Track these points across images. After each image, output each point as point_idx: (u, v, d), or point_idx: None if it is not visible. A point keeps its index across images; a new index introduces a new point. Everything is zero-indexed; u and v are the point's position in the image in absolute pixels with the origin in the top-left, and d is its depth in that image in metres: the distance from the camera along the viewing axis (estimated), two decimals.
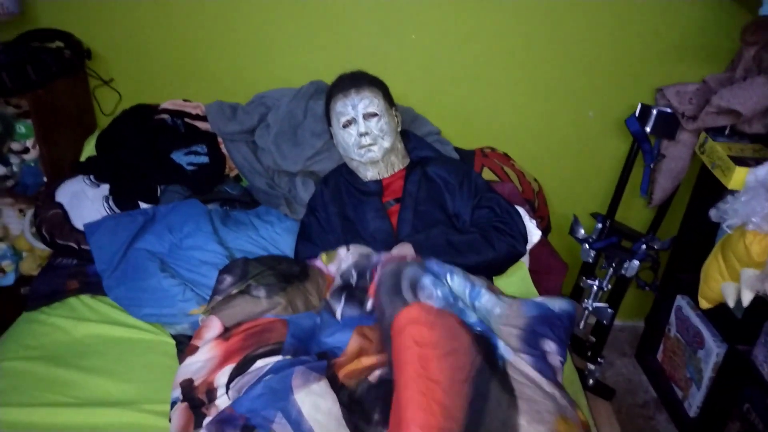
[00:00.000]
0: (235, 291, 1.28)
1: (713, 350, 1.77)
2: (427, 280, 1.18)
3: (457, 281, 1.23)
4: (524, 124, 2.05)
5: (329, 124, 1.63)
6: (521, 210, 1.61)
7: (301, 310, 1.30)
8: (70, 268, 1.57)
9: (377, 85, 1.58)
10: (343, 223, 1.57)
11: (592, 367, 2.07)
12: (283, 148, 1.71)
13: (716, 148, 1.69)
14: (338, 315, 1.28)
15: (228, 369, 1.14)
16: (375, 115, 1.53)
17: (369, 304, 1.27)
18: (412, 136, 1.72)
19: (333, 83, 1.61)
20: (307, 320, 1.27)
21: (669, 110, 1.87)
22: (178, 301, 1.43)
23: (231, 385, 1.12)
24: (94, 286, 1.52)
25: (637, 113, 1.91)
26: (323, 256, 1.47)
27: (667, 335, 2.05)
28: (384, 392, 1.05)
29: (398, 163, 1.62)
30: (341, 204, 1.60)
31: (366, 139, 1.52)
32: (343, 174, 1.65)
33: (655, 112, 1.88)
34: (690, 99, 1.83)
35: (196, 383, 1.15)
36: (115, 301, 1.47)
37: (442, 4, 1.87)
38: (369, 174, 1.60)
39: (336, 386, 1.07)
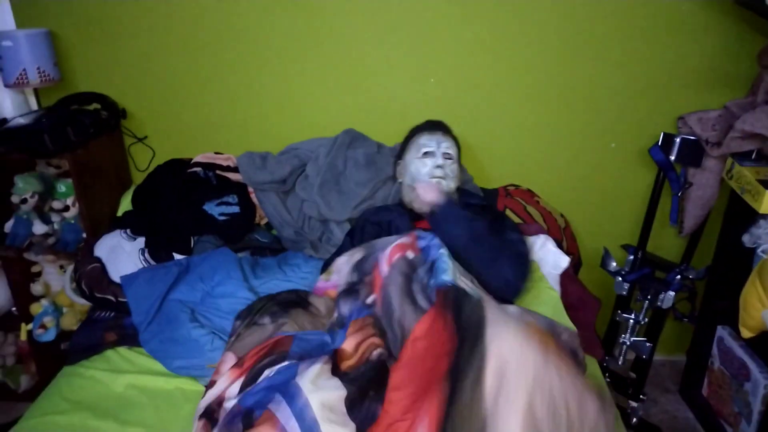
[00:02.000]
0: (242, 328, 1.33)
1: (760, 382, 1.70)
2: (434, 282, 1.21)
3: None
4: (547, 159, 2.07)
5: (400, 157, 1.74)
6: (547, 237, 1.62)
7: (308, 329, 1.34)
8: (108, 321, 1.61)
9: (456, 139, 1.75)
10: (371, 231, 1.62)
11: (634, 404, 2.01)
12: (328, 198, 1.78)
13: (744, 173, 1.67)
14: (344, 312, 1.32)
15: (239, 382, 1.19)
16: (451, 158, 1.67)
17: (370, 299, 1.28)
18: (466, 192, 1.81)
19: (420, 124, 1.76)
20: (314, 336, 1.29)
21: (693, 137, 1.86)
22: (206, 350, 1.45)
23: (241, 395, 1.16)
24: (131, 338, 1.55)
25: (660, 142, 1.91)
26: (322, 274, 1.51)
27: (711, 368, 1.98)
28: (381, 373, 1.11)
29: None
30: (377, 218, 1.66)
31: (439, 171, 1.63)
32: (391, 207, 1.71)
33: (678, 140, 1.88)
34: (713, 125, 1.82)
35: (213, 403, 1.19)
36: (150, 354, 1.49)
37: (457, 49, 1.93)
38: (424, 208, 1.63)
39: (338, 373, 1.13)
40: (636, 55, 1.91)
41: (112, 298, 1.63)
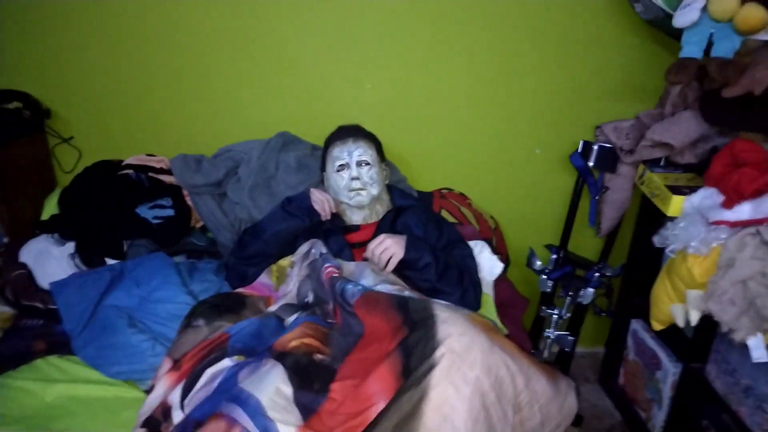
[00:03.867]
0: (178, 332, 1.36)
1: (669, 370, 1.86)
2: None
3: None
4: (477, 164, 2.16)
5: (323, 169, 1.74)
6: (485, 244, 1.70)
7: None
8: (36, 329, 1.54)
9: (372, 139, 1.73)
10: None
11: None
12: (258, 201, 1.77)
13: (654, 179, 1.83)
14: (288, 322, 1.36)
15: (179, 386, 1.20)
16: (367, 163, 1.66)
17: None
18: (397, 190, 1.83)
19: (333, 132, 1.75)
20: (250, 325, 1.33)
21: (608, 145, 2.01)
22: (148, 356, 1.43)
23: (185, 402, 1.17)
24: (61, 346, 1.49)
25: (580, 149, 2.05)
26: (273, 279, 1.56)
27: (626, 359, 2.14)
28: (326, 374, 1.16)
29: (382, 212, 1.72)
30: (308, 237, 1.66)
31: (356, 183, 1.64)
32: (326, 223, 1.70)
33: (596, 147, 2.02)
34: (627, 134, 1.97)
35: (153, 411, 1.19)
36: (85, 361, 1.45)
37: (393, 55, 1.98)
38: (354, 218, 1.69)
39: (282, 355, 1.19)
40: (557, 67, 2.03)
41: (41, 305, 1.56)
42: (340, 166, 1.66)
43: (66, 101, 1.94)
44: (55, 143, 1.97)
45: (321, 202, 1.64)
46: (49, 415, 1.31)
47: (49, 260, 1.63)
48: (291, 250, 1.62)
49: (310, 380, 1.14)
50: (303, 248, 1.56)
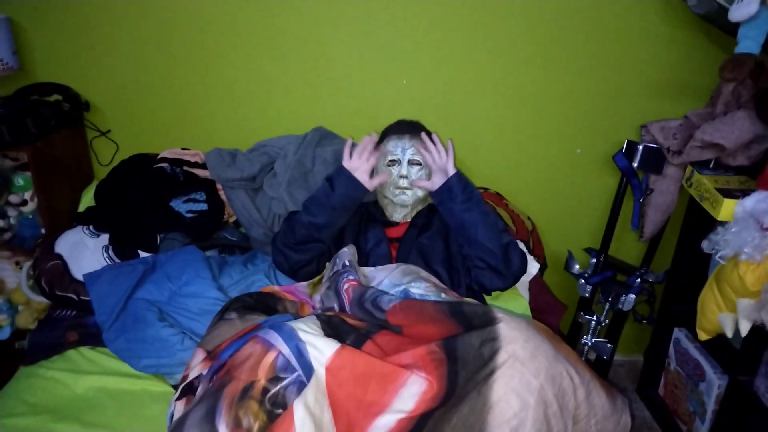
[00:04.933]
0: (210, 326, 1.33)
1: (714, 382, 1.77)
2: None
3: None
4: (515, 164, 2.10)
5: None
6: (520, 244, 1.65)
7: None
8: (69, 320, 1.56)
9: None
10: (345, 238, 1.61)
11: None
12: (296, 195, 1.76)
13: (703, 181, 1.74)
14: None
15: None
16: (419, 164, 1.61)
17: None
18: None
19: (392, 125, 1.71)
20: (282, 318, 1.31)
21: (655, 145, 1.92)
22: (177, 350, 1.43)
23: None
24: (93, 338, 1.50)
25: (624, 149, 1.97)
26: (309, 287, 1.53)
27: (668, 369, 2.05)
28: (359, 337, 1.18)
29: None
30: (354, 225, 1.64)
31: (404, 182, 1.60)
32: (370, 207, 1.70)
33: (641, 147, 1.94)
34: (674, 134, 1.89)
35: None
36: (115, 353, 1.46)
37: (430, 51, 1.94)
38: (395, 215, 1.66)
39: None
40: (602, 64, 1.96)
41: (74, 297, 1.58)
42: (391, 161, 1.61)
43: (104, 95, 1.96)
44: (93, 136, 2.00)
45: (359, 150, 1.57)
46: (79, 407, 1.32)
47: (84, 252, 1.65)
48: (339, 239, 1.60)
49: (341, 335, 1.16)
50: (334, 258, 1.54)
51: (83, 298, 1.56)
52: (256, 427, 1.01)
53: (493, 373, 1.03)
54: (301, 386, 1.05)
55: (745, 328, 1.46)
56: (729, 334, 1.53)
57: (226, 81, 1.95)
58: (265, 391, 1.04)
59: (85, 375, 1.41)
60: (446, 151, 1.57)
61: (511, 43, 1.93)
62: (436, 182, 1.55)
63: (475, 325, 1.11)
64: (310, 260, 1.56)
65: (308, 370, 1.07)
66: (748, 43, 1.58)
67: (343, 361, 1.08)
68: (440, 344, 1.09)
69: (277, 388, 1.05)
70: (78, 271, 1.61)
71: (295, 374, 1.06)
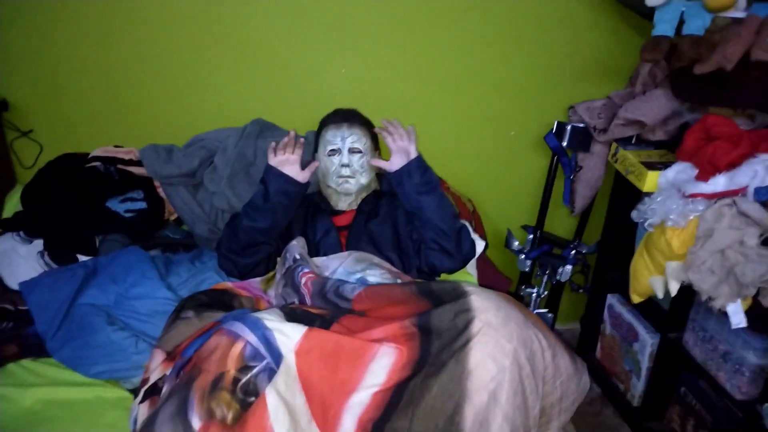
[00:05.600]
0: (167, 325, 1.31)
1: (647, 341, 1.91)
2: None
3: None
4: (454, 148, 2.16)
5: (315, 150, 1.68)
6: (467, 223, 1.71)
7: None
8: (7, 333, 1.47)
9: (367, 125, 1.67)
10: (292, 231, 1.61)
11: None
12: (239, 189, 1.72)
13: (628, 156, 1.86)
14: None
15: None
16: (359, 151, 1.61)
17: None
18: (386, 176, 1.77)
19: (329, 114, 1.68)
20: (241, 313, 1.29)
21: (582, 125, 2.04)
22: (131, 353, 1.38)
23: None
24: (35, 349, 1.42)
25: (554, 130, 2.07)
26: (262, 283, 1.52)
27: (603, 333, 2.19)
28: (324, 323, 1.19)
29: None
30: (301, 218, 1.64)
31: (346, 171, 1.59)
32: (314, 197, 1.69)
33: (569, 127, 2.04)
34: (599, 114, 2.00)
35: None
36: (62, 363, 1.39)
37: (366, 41, 1.96)
38: (341, 204, 1.66)
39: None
40: (531, 50, 2.05)
41: (10, 307, 1.49)
42: (331, 150, 1.60)
43: (23, 93, 1.84)
44: (13, 137, 1.87)
45: (281, 145, 1.53)
46: (29, 421, 1.25)
47: (16, 260, 1.55)
48: (287, 234, 1.58)
49: (307, 323, 1.17)
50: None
51: (21, 308, 1.48)
52: (230, 416, 1.01)
53: (469, 341, 1.06)
54: (271, 373, 1.06)
55: (674, 288, 1.58)
56: (660, 294, 1.65)
57: (159, 74, 1.88)
58: (236, 380, 1.04)
59: (30, 388, 1.33)
60: (408, 134, 1.58)
61: (444, 31, 1.97)
62: (395, 163, 1.56)
63: (446, 301, 1.14)
64: (258, 262, 1.54)
65: (277, 356, 1.07)
66: (663, 26, 1.70)
67: (311, 344, 1.09)
68: (413, 320, 1.12)
69: (248, 376, 1.05)
70: (12, 280, 1.52)
71: (264, 362, 1.06)
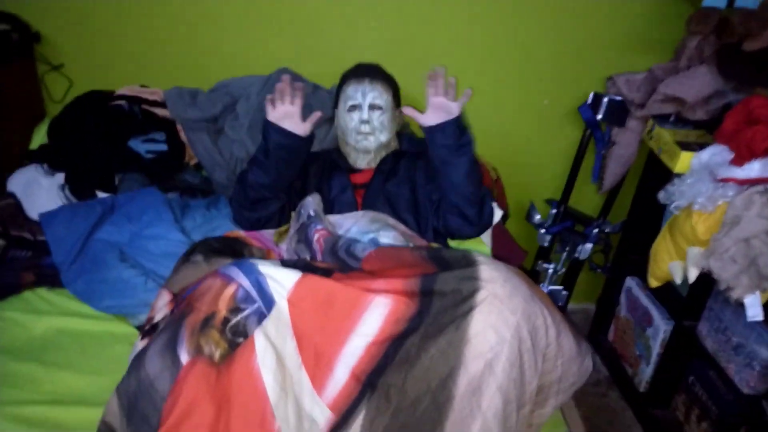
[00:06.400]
0: (176, 265, 1.32)
1: (661, 327, 1.87)
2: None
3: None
4: (483, 113, 2.07)
5: (335, 105, 1.65)
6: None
7: None
8: (25, 261, 1.51)
9: (390, 82, 1.62)
10: (307, 187, 1.59)
11: None
12: (258, 138, 1.70)
13: (663, 134, 1.78)
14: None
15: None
16: (380, 108, 1.56)
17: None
18: (407, 135, 1.75)
19: (350, 69, 1.63)
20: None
21: (619, 98, 1.95)
22: (140, 291, 1.41)
23: None
24: (51, 279, 1.47)
25: (589, 101, 1.99)
26: (275, 235, 1.51)
27: (618, 315, 2.15)
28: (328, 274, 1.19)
29: None
30: (317, 173, 1.62)
31: (365, 127, 1.55)
32: (332, 153, 1.66)
33: (606, 100, 1.96)
34: (638, 87, 1.91)
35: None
36: (75, 295, 1.43)
37: None
38: (359, 162, 1.63)
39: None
40: (570, 16, 1.95)
41: (29, 236, 1.53)
42: (351, 106, 1.56)
43: (57, 25, 1.85)
44: (44, 71, 1.89)
45: (277, 94, 1.47)
46: (39, 347, 1.30)
47: (38, 191, 1.59)
48: (302, 190, 1.58)
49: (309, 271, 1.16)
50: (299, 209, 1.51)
51: (39, 238, 1.52)
52: (217, 354, 1.03)
53: (473, 310, 1.05)
54: (261, 317, 1.07)
55: (693, 275, 1.53)
56: (678, 280, 1.60)
57: (189, 18, 1.87)
58: (226, 321, 1.05)
59: (43, 316, 1.38)
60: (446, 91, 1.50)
61: None
62: (430, 118, 1.48)
63: (455, 268, 1.13)
64: (269, 216, 1.54)
65: (269, 301, 1.08)
66: None
67: (304, 291, 1.09)
68: (417, 279, 1.10)
69: (238, 318, 1.06)
70: (33, 210, 1.56)
71: (255, 305, 1.07)
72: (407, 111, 1.53)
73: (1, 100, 1.72)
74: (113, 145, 1.69)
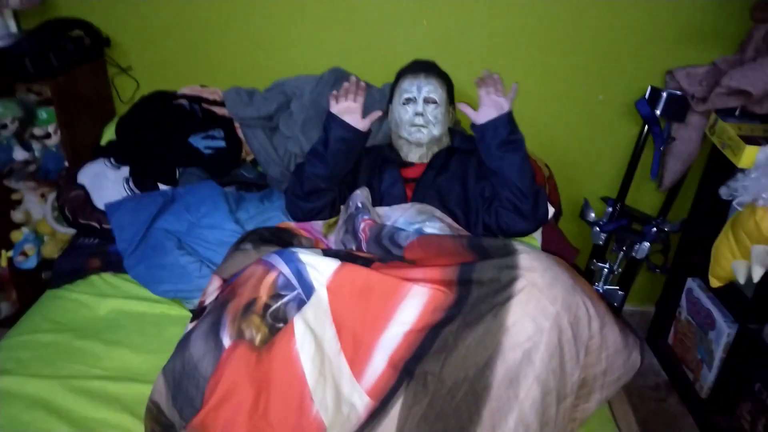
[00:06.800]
0: (227, 254, 1.37)
1: (724, 330, 1.78)
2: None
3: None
4: (536, 109, 2.07)
5: (390, 101, 1.68)
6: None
7: None
8: (92, 248, 1.62)
9: (444, 78, 1.66)
10: (358, 180, 1.62)
11: None
12: (311, 135, 1.77)
13: (726, 129, 1.70)
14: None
15: None
16: (434, 102, 1.59)
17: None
18: (459, 133, 1.77)
19: (406, 65, 1.68)
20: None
21: (679, 93, 1.88)
22: (195, 277, 1.47)
23: None
24: (115, 265, 1.56)
25: (647, 96, 1.92)
26: (324, 227, 1.55)
27: (678, 318, 2.06)
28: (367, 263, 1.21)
29: None
30: (368, 168, 1.65)
31: (419, 119, 1.58)
32: (384, 149, 1.69)
33: (665, 94, 1.89)
34: (700, 81, 1.84)
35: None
36: (135, 279, 1.51)
37: None
38: (411, 156, 1.66)
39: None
40: (627, 7, 1.90)
41: (96, 225, 1.63)
42: (406, 99, 1.59)
43: (126, 31, 1.97)
44: (114, 73, 2.02)
45: (342, 92, 1.54)
46: (101, 327, 1.39)
47: (105, 183, 1.69)
48: (353, 183, 1.61)
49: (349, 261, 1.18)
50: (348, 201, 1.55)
51: (105, 226, 1.61)
52: (258, 338, 1.06)
53: (511, 299, 1.04)
54: (300, 303, 1.09)
55: (757, 274, 1.45)
56: (741, 280, 1.52)
57: (246, 19, 1.95)
58: (267, 306, 1.08)
59: (106, 298, 1.47)
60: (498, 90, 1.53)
61: None
62: (483, 115, 1.52)
63: (494, 257, 1.12)
64: (322, 207, 1.58)
65: (308, 288, 1.10)
66: None
67: (343, 279, 1.11)
68: (456, 268, 1.11)
69: (278, 304, 1.09)
70: (100, 200, 1.66)
71: (295, 292, 1.10)
72: (462, 107, 1.56)
73: (74, 100, 1.84)
74: (175, 141, 1.78)
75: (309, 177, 1.54)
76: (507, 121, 1.51)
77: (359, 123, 1.54)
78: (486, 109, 1.52)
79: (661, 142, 1.98)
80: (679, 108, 1.89)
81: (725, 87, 1.71)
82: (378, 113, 1.59)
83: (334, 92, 1.55)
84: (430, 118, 1.59)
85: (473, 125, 1.55)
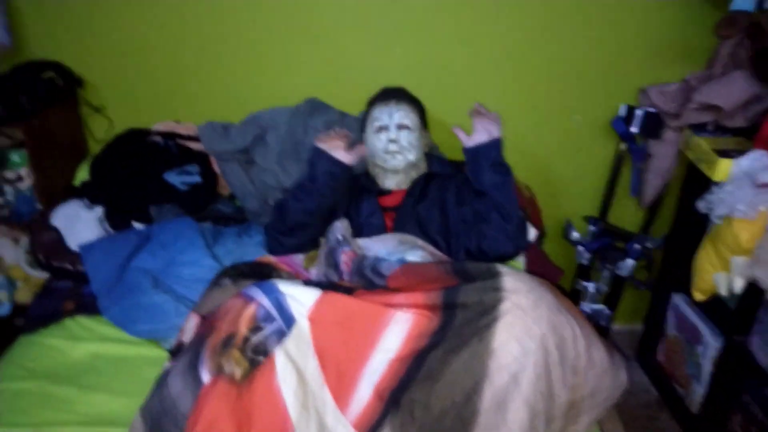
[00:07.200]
0: (205, 291, 1.36)
1: (711, 344, 1.77)
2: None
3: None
4: (512, 131, 2.05)
5: (363, 130, 1.69)
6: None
7: None
8: (66, 291, 1.58)
9: (415, 103, 1.67)
10: (335, 213, 1.60)
11: None
12: (286, 166, 1.76)
13: (700, 143, 1.72)
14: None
15: None
16: (407, 127, 1.60)
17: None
18: (435, 158, 1.78)
19: (376, 93, 1.70)
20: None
21: (653, 110, 1.90)
22: (171, 316, 1.44)
23: None
24: (89, 306, 1.52)
25: (622, 114, 1.95)
26: (305, 260, 1.54)
27: (666, 335, 2.05)
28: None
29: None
30: (345, 198, 1.64)
31: (393, 146, 1.58)
32: (361, 178, 1.68)
33: (639, 112, 1.91)
34: (673, 98, 1.86)
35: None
36: (111, 320, 1.48)
37: (423, 19, 1.92)
38: (387, 183, 1.65)
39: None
40: (598, 28, 1.93)
41: (70, 267, 1.59)
42: (379, 127, 1.60)
43: (98, 71, 1.96)
44: (87, 113, 2.00)
45: (328, 136, 1.57)
46: (76, 371, 1.34)
47: (79, 224, 1.66)
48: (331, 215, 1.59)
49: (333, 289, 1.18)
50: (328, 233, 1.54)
51: (79, 268, 1.58)
52: (238, 373, 1.04)
53: (496, 321, 1.03)
54: (281, 335, 1.07)
55: (738, 286, 1.45)
56: (723, 292, 1.52)
57: (219, 54, 1.95)
58: (246, 340, 1.06)
59: (81, 342, 1.43)
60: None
61: (505, 8, 1.90)
62: (476, 139, 1.53)
63: (478, 279, 1.11)
64: (306, 242, 1.56)
65: (288, 319, 1.09)
66: (742, 1, 1.55)
67: (325, 309, 1.09)
68: (440, 293, 1.10)
69: (258, 336, 1.07)
70: (73, 242, 1.63)
71: (275, 323, 1.08)
72: (456, 131, 1.57)
73: (47, 142, 1.82)
74: (149, 178, 1.76)
75: (293, 211, 1.53)
76: (497, 145, 1.54)
77: (345, 157, 1.54)
78: (479, 135, 1.54)
79: (639, 159, 2.00)
80: (654, 125, 1.91)
81: (696, 103, 1.74)
82: (362, 147, 1.59)
83: (320, 136, 1.56)
84: (404, 144, 1.59)
85: (466, 149, 1.56)
